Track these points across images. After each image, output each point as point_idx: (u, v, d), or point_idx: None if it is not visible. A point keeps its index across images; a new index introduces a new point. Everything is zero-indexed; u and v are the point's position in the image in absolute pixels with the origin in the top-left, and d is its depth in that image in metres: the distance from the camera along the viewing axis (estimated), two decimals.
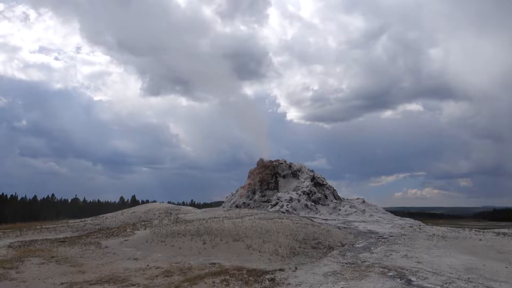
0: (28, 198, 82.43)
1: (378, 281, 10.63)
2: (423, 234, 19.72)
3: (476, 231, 21.75)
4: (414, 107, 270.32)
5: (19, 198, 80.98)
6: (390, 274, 11.44)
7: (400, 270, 11.97)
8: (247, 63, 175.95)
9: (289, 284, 10.47)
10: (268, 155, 43.09)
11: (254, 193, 39.14)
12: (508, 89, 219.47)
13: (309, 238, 16.75)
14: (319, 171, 43.12)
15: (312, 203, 34.65)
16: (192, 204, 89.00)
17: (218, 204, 51.70)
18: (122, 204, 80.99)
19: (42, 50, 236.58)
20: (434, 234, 19.38)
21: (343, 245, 16.62)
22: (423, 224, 28.74)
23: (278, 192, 37.16)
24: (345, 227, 22.68)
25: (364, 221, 27.66)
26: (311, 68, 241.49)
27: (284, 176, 39.66)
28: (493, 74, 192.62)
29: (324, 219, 27.76)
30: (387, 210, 38.84)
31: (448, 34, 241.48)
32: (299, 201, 34.06)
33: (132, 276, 11.23)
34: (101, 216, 33.87)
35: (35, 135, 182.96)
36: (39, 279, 10.98)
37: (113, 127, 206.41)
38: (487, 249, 15.63)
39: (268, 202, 35.76)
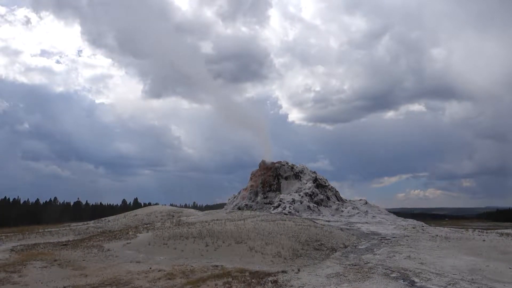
0: (30, 202, 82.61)
1: (381, 282, 10.59)
2: (426, 235, 19.66)
3: (479, 231, 21.65)
4: (417, 107, 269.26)
5: (21, 201, 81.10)
6: (393, 275, 11.40)
7: (403, 271, 11.94)
8: (248, 64, 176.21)
9: (291, 286, 10.44)
10: (270, 157, 43.13)
11: (256, 195, 39.14)
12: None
13: (311, 239, 16.72)
14: (321, 172, 43.12)
15: (315, 205, 34.61)
16: (195, 206, 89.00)
17: (220, 206, 51.66)
18: (125, 207, 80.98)
19: (44, 53, 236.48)
20: (437, 235, 19.31)
21: (345, 247, 16.57)
22: (426, 225, 28.67)
23: (280, 193, 37.14)
24: (347, 229, 22.62)
25: (366, 223, 27.60)
26: (313, 69, 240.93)
27: (286, 178, 39.64)
28: (496, 74, 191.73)
29: (327, 221, 27.70)
30: (389, 211, 38.79)
31: (451, 34, 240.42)
32: (301, 203, 34.02)
33: (134, 279, 11.23)
34: (103, 219, 33.94)
35: (37, 138, 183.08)
36: (41, 283, 10.98)
37: (115, 129, 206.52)
38: (491, 249, 15.54)
39: (271, 204, 35.74)
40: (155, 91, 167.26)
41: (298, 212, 32.32)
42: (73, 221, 38.15)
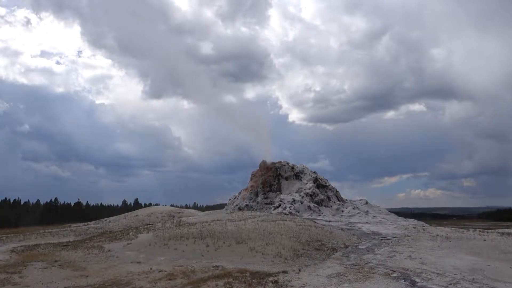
0: (31, 202, 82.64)
1: (382, 282, 10.58)
2: (426, 235, 19.64)
3: (480, 231, 21.63)
4: (417, 107, 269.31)
5: (22, 202, 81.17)
6: (394, 275, 11.39)
7: (404, 271, 11.92)
8: (248, 64, 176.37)
9: (292, 286, 10.43)
10: (271, 157, 43.10)
11: (256, 195, 39.14)
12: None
13: (312, 240, 16.71)
14: (321, 172, 43.11)
15: (315, 205, 34.59)
16: (195, 207, 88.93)
17: (221, 206, 51.63)
18: (125, 208, 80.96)
19: (44, 54, 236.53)
20: (437, 235, 19.30)
21: (346, 247, 16.56)
22: (426, 224, 28.65)
23: (281, 194, 37.12)
24: (348, 229, 22.62)
25: (367, 222, 27.59)
26: (313, 69, 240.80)
27: (286, 178, 39.63)
28: (496, 74, 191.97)
29: (327, 221, 27.70)
30: (390, 211, 38.74)
31: (451, 33, 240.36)
32: (302, 203, 34.00)
33: (135, 280, 11.23)
34: (104, 219, 33.95)
35: (37, 139, 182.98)
36: (42, 284, 10.99)
37: (115, 130, 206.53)
38: (491, 249, 15.54)
39: (271, 204, 35.73)
40: (155, 92, 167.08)
41: (298, 212, 32.30)
42: (74, 222, 38.14)
